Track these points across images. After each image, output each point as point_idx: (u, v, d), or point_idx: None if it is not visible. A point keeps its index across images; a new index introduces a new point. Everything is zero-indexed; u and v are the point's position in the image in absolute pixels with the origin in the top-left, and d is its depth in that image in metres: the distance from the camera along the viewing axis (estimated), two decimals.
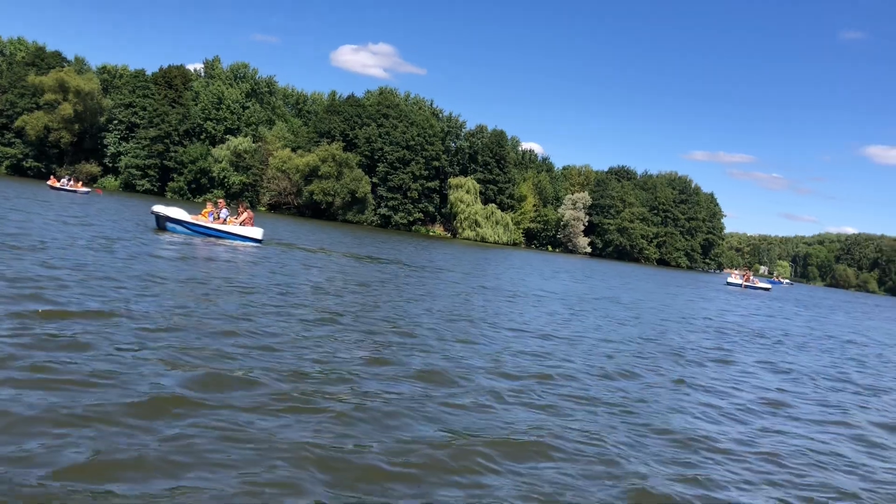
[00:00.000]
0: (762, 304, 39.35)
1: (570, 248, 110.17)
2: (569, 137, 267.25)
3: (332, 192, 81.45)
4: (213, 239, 24.06)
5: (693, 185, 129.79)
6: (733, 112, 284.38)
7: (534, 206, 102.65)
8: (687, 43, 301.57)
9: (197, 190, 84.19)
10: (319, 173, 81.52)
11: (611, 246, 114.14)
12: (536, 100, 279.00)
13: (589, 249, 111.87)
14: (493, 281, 26.19)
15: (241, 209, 25.84)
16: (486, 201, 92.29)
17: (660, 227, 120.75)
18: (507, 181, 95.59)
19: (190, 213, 26.07)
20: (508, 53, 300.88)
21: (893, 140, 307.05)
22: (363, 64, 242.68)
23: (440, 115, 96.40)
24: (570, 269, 51.51)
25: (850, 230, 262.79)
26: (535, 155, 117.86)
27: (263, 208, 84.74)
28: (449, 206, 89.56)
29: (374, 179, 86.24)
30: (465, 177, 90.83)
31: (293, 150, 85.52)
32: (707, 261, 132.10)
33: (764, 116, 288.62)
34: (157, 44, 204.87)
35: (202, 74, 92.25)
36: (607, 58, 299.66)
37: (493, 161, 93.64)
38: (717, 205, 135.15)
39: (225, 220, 25.14)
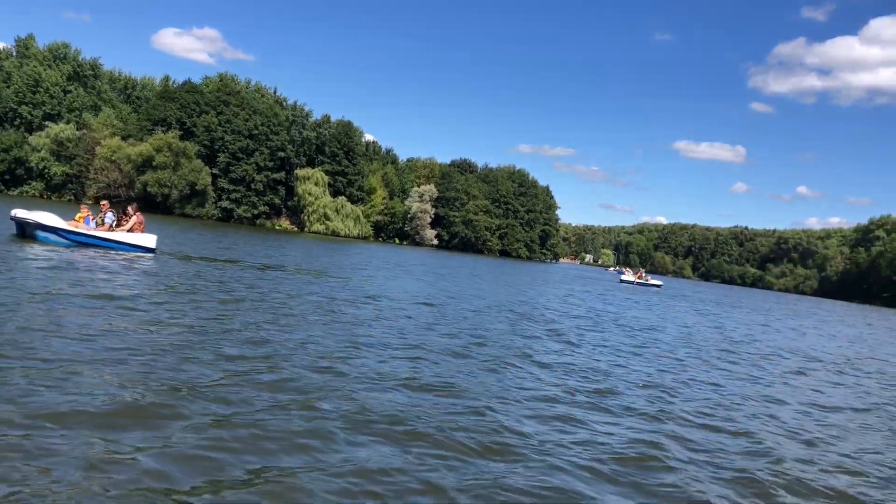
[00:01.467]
0: (687, 307, 38.55)
1: (417, 240, 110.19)
2: (403, 130, 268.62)
3: (169, 184, 75.96)
4: (94, 249, 19.94)
5: (531, 178, 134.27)
6: (556, 107, 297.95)
7: (383, 198, 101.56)
8: (513, 40, 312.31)
9: (11, 181, 75.63)
10: (154, 164, 75.70)
11: (457, 238, 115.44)
12: (369, 91, 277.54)
13: (436, 242, 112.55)
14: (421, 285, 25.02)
15: (130, 211, 21.76)
16: (334, 193, 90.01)
17: (501, 218, 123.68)
18: (356, 173, 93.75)
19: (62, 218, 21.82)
20: (340, 44, 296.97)
21: (698, 136, 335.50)
22: (187, 48, 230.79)
23: (284, 104, 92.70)
24: (431, 263, 51.14)
25: (663, 220, 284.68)
26: (380, 147, 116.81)
27: (90, 201, 77.60)
28: (296, 198, 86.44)
29: (215, 170, 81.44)
30: (313, 168, 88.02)
31: (123, 138, 78.90)
32: (544, 251, 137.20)
33: (584, 111, 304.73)
34: None
35: (14, 54, 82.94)
36: (434, 51, 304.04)
37: (342, 152, 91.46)
38: (552, 197, 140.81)
39: (111, 225, 21.03)
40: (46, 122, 77.55)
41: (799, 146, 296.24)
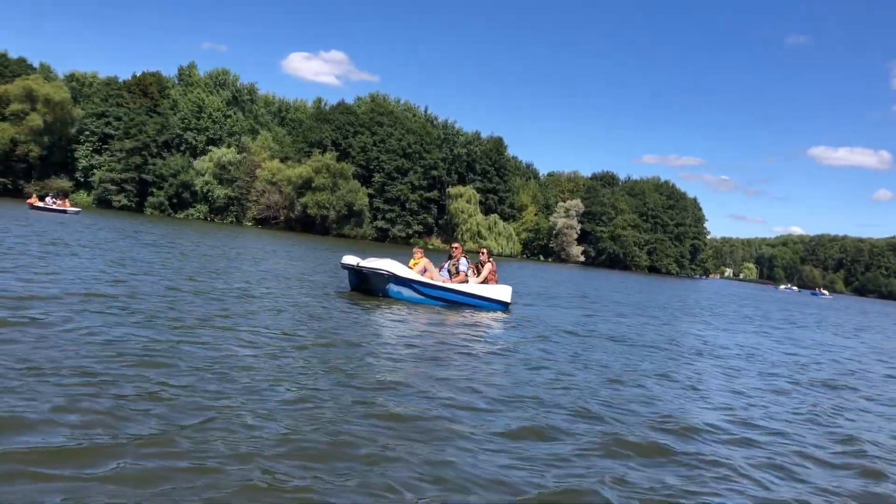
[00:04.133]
0: None
1: (562, 256, 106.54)
2: (527, 142, 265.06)
3: (328, 205, 76.09)
4: (447, 306, 15.82)
5: (679, 191, 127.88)
6: (683, 116, 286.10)
7: (535, 215, 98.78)
8: (632, 50, 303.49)
9: (178, 205, 78.05)
10: (313, 185, 76.07)
11: (604, 254, 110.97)
12: (498, 106, 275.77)
13: (582, 258, 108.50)
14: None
15: (482, 257, 17.31)
16: (486, 211, 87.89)
17: (650, 233, 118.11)
18: (507, 190, 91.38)
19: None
20: (463, 60, 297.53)
21: (836, 141, 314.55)
22: (315, 72, 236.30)
23: (435, 122, 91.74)
24: (637, 286, 47.52)
25: (798, 230, 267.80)
26: (520, 161, 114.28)
27: (249, 223, 79.05)
28: (448, 216, 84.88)
29: (370, 190, 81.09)
30: (464, 186, 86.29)
31: (282, 160, 80.00)
32: (693, 266, 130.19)
33: (712, 120, 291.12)
34: (103, 50, 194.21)
35: (176, 82, 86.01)
36: (554, 62, 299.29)
37: (493, 169, 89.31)
38: (701, 209, 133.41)
39: (466, 274, 16.67)
40: (210, 147, 79.65)
41: None
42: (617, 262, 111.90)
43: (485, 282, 16.67)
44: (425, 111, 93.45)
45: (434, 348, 10.01)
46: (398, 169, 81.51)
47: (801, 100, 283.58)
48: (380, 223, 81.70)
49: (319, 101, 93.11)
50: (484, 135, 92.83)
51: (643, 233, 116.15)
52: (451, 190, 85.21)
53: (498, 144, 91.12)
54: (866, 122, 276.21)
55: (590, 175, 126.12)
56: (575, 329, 15.00)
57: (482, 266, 16.84)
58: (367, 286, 15.97)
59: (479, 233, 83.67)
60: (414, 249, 17.23)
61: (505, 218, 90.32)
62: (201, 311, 10.48)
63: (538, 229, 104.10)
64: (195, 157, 79.19)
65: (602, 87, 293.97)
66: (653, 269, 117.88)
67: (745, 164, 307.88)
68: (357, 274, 16.21)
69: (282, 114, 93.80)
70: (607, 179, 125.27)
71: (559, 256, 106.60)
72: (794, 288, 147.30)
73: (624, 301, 28.50)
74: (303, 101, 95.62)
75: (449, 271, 16.55)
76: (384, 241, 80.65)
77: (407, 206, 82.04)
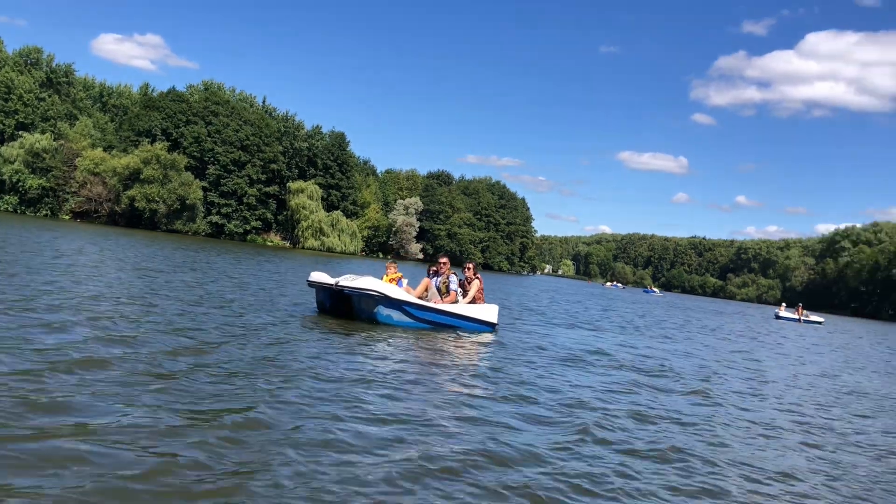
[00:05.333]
0: None
1: (401, 254, 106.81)
2: (364, 139, 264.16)
3: (158, 199, 71.10)
4: (437, 330, 13.91)
5: (510, 191, 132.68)
6: (504, 118, 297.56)
7: (377, 212, 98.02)
8: (455, 56, 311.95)
9: None
10: (141, 177, 70.77)
11: (441, 251, 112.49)
12: (332, 101, 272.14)
13: (421, 255, 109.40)
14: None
15: (467, 273, 15.15)
16: (328, 208, 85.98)
17: (484, 231, 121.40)
18: (349, 186, 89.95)
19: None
20: (285, 50, 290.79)
21: (642, 147, 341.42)
22: (128, 55, 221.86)
23: (273, 114, 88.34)
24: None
25: (607, 229, 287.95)
26: (357, 158, 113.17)
27: (66, 216, 72.20)
28: (289, 212, 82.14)
29: (205, 183, 76.69)
30: (305, 181, 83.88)
31: (105, 149, 73.74)
32: (522, 263, 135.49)
33: (532, 123, 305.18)
34: None
35: None
36: (373, 57, 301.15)
37: (335, 165, 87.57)
38: (529, 209, 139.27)
39: (457, 293, 14.70)
40: (20, 132, 71.81)
41: (739, 157, 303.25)
42: (453, 260, 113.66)
43: (473, 301, 14.88)
44: (263, 102, 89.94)
45: (444, 386, 8.63)
46: (235, 161, 77.73)
47: (611, 107, 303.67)
48: (214, 218, 77.49)
49: (146, 86, 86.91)
50: (325, 129, 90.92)
51: (477, 231, 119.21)
52: (292, 185, 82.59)
53: (340, 140, 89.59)
54: (668, 130, 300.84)
55: (426, 174, 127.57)
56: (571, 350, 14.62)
57: (468, 283, 14.97)
58: (349, 309, 13.77)
59: (321, 230, 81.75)
60: (387, 264, 15.42)
61: (348, 215, 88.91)
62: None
63: (378, 227, 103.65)
64: (2, 143, 71.12)
65: (428, 87, 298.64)
66: (486, 266, 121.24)
67: (560, 165, 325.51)
68: (334, 294, 13.95)
69: (103, 99, 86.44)
70: (443, 178, 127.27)
71: (398, 254, 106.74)
72: (620, 285, 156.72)
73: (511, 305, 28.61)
74: (127, 87, 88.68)
75: (438, 290, 14.53)
76: (219, 237, 76.69)
77: (245, 200, 78.50)
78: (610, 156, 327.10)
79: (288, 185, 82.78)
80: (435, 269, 14.80)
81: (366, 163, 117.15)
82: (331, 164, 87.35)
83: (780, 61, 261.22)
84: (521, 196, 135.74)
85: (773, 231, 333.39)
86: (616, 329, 21.93)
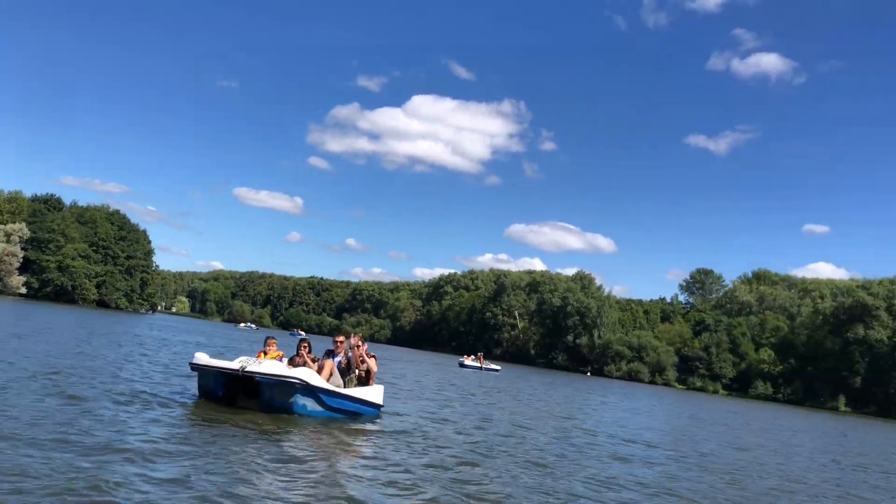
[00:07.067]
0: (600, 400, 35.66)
1: (0, 288, 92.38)
2: None
3: None
4: (342, 418, 12.54)
5: (131, 222, 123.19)
6: (110, 142, 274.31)
7: None
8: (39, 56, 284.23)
9: None
10: None
11: (49, 286, 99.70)
12: None
13: (24, 290, 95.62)
14: None
15: (362, 348, 13.47)
16: None
17: (101, 265, 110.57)
18: None
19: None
20: None
21: (258, 184, 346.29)
22: None
23: None
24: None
25: (219, 265, 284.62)
26: None
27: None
28: None
29: None
30: None
31: None
32: (141, 300, 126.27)
33: (141, 149, 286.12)
34: None
35: None
36: None
37: None
38: (150, 242, 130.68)
39: (358, 373, 13.28)
40: None
41: (351, 202, 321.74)
42: (63, 295, 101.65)
43: (368, 378, 13.53)
44: None
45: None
46: None
47: (228, 141, 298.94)
48: None
49: None
50: None
51: (94, 264, 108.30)
52: None
53: None
54: (286, 170, 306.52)
55: (31, 196, 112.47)
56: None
57: (360, 361, 13.33)
58: (256, 397, 11.76)
59: None
60: (268, 339, 13.29)
61: None
62: None
63: None
64: None
65: (24, 100, 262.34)
66: (101, 304, 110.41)
67: (170, 195, 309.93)
68: (233, 381, 11.79)
69: None
70: (52, 203, 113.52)
71: None
72: (253, 326, 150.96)
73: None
74: None
75: (341, 371, 12.98)
76: None
77: None
78: (225, 190, 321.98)
79: None
80: (331, 349, 13.37)
81: None
82: None
83: (388, 117, 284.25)
84: (143, 228, 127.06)
85: (378, 273, 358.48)
86: None
